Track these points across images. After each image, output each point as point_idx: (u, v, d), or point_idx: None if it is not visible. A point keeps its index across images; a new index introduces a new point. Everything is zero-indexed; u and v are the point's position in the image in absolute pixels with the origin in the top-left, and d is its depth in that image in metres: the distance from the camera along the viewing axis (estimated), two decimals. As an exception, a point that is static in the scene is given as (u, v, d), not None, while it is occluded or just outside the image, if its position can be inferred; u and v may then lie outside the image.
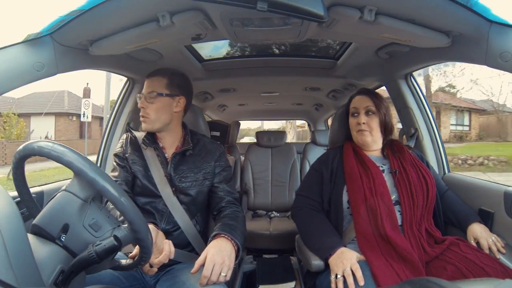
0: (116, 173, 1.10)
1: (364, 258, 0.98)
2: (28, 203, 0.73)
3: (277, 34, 1.20)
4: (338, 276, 0.92)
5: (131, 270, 0.75)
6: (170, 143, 1.16)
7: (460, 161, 9.88)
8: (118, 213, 0.92)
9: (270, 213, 2.59)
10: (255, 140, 2.92)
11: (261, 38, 1.29)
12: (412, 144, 1.47)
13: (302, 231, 1.17)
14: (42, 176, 8.19)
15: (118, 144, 1.19)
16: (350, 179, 1.11)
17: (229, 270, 0.86)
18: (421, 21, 0.94)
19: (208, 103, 2.58)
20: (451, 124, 15.13)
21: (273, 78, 2.04)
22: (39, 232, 0.60)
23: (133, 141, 1.16)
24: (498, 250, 0.99)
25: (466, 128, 15.67)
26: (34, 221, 0.61)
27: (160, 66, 1.17)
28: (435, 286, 0.46)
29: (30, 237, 0.56)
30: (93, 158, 1.05)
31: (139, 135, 1.18)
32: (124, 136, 1.20)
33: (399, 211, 1.06)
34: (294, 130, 13.53)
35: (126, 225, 0.64)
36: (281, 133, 2.90)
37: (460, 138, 14.52)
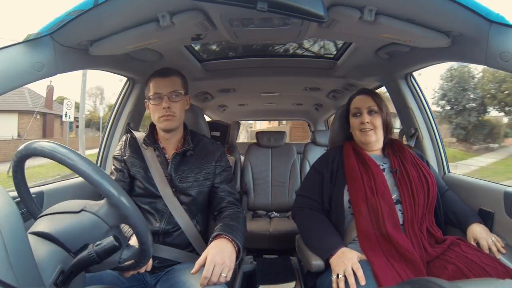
0: (113, 177, 1.11)
1: (365, 258, 0.98)
2: (28, 203, 0.73)
3: (277, 34, 1.20)
4: (340, 276, 0.92)
5: (132, 271, 0.75)
6: (174, 142, 1.16)
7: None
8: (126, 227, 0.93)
9: (270, 213, 2.59)
10: None
11: (261, 38, 1.30)
12: (412, 144, 1.47)
13: (303, 231, 1.17)
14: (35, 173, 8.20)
15: (117, 146, 1.20)
16: (351, 178, 1.11)
17: (229, 271, 0.86)
18: (421, 21, 0.94)
19: (208, 103, 2.58)
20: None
21: (273, 78, 2.04)
22: (52, 240, 0.60)
23: (132, 143, 1.17)
24: (498, 251, 0.99)
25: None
26: (52, 232, 0.60)
27: (160, 66, 1.17)
28: (435, 286, 0.46)
29: (30, 237, 0.56)
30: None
31: (139, 135, 1.18)
32: (124, 138, 1.20)
33: (400, 210, 1.06)
34: (246, 130, 13.97)
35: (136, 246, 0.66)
36: (281, 134, 2.90)
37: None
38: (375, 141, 1.18)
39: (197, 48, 1.64)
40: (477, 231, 1.05)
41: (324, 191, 1.16)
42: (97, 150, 1.56)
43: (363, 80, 1.79)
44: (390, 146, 1.21)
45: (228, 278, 0.86)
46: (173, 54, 1.45)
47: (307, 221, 1.16)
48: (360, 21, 0.95)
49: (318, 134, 2.64)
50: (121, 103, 1.57)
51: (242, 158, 2.86)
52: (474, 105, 14.16)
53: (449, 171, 1.46)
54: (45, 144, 0.60)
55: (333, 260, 0.98)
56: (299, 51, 1.81)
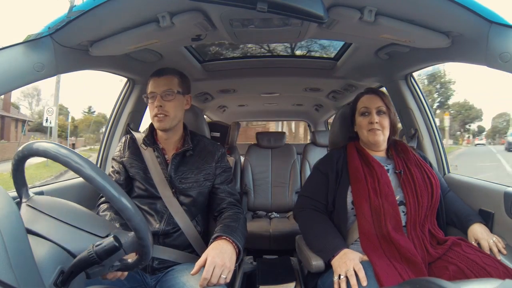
0: (111, 178, 1.11)
1: (367, 259, 0.98)
2: None
3: (277, 34, 1.20)
4: (341, 276, 0.92)
5: (131, 271, 0.75)
6: (173, 143, 1.16)
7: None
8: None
9: (270, 213, 2.59)
10: None
11: (261, 38, 1.30)
12: (414, 145, 1.47)
13: (305, 232, 1.17)
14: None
15: (117, 147, 1.20)
16: (355, 179, 1.11)
17: (229, 272, 0.86)
18: (421, 22, 0.94)
19: (208, 104, 2.58)
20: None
21: (273, 79, 2.05)
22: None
23: (131, 143, 1.17)
24: (499, 251, 0.99)
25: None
26: (70, 248, 0.61)
27: (160, 67, 1.17)
28: (435, 286, 0.46)
29: (30, 237, 0.56)
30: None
31: (139, 136, 1.18)
32: (123, 139, 1.21)
33: (403, 211, 1.06)
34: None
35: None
36: (281, 134, 2.90)
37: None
38: (383, 141, 1.18)
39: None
40: (478, 232, 1.05)
41: (328, 192, 1.16)
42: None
43: (363, 80, 1.79)
44: (394, 147, 1.21)
45: (228, 280, 0.86)
46: (173, 54, 1.45)
47: (309, 222, 1.16)
48: (360, 21, 0.95)
49: (318, 134, 2.64)
50: (121, 104, 1.57)
51: (242, 158, 2.86)
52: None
53: (449, 172, 1.46)
54: (46, 144, 0.60)
55: (335, 261, 0.97)
56: (299, 52, 1.82)
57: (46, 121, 10.43)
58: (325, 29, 1.13)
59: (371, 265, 0.94)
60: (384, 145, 1.20)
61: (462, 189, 1.25)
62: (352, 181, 1.11)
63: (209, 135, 1.43)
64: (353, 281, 0.89)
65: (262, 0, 0.74)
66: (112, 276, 0.79)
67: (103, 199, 1.12)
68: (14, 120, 16.20)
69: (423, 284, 0.50)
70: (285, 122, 12.02)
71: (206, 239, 1.14)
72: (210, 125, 1.72)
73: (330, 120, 3.33)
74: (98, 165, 1.51)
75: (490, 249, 1.00)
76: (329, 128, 2.95)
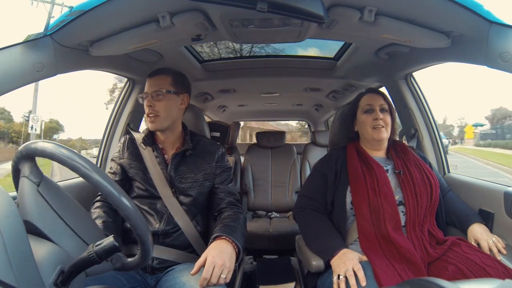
0: None
1: (366, 259, 0.98)
2: None
3: (277, 34, 1.20)
4: (341, 276, 0.92)
5: (131, 271, 0.75)
6: (172, 143, 1.16)
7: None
8: None
9: (270, 213, 2.59)
10: None
11: (261, 38, 1.30)
12: (414, 145, 1.47)
13: (304, 232, 1.17)
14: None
15: (116, 148, 1.20)
16: (354, 179, 1.11)
17: (229, 272, 0.86)
18: (421, 22, 0.94)
19: (208, 104, 2.58)
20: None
21: (273, 79, 2.04)
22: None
23: (130, 144, 1.17)
24: (499, 251, 0.99)
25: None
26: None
27: (160, 67, 1.18)
28: (435, 286, 0.46)
29: (30, 237, 0.56)
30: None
31: (138, 136, 1.18)
32: (122, 140, 1.21)
33: (402, 211, 1.06)
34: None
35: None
36: (281, 134, 2.90)
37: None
38: (386, 138, 1.18)
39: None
40: (478, 232, 1.05)
41: (327, 192, 1.16)
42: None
43: (363, 80, 1.79)
44: (393, 147, 1.21)
45: (228, 280, 0.86)
46: (173, 54, 1.45)
47: (308, 222, 1.16)
48: (360, 21, 0.95)
49: (318, 134, 2.64)
50: (121, 104, 1.57)
51: (242, 158, 2.86)
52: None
53: (449, 171, 1.46)
54: (46, 144, 0.60)
55: (334, 261, 0.98)
56: (299, 52, 1.82)
57: (31, 129, 10.93)
58: (325, 29, 1.13)
59: (370, 265, 0.94)
60: (385, 144, 1.21)
61: (462, 189, 1.25)
62: (351, 181, 1.11)
63: (209, 135, 1.43)
64: (352, 281, 0.89)
65: (262, 0, 0.74)
66: None
67: (99, 197, 1.12)
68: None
69: (423, 284, 0.50)
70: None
71: (206, 239, 1.14)
72: (210, 125, 1.72)
73: (330, 120, 3.33)
74: (98, 165, 1.51)
75: (490, 249, 1.00)
76: (329, 128, 2.95)
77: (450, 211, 1.16)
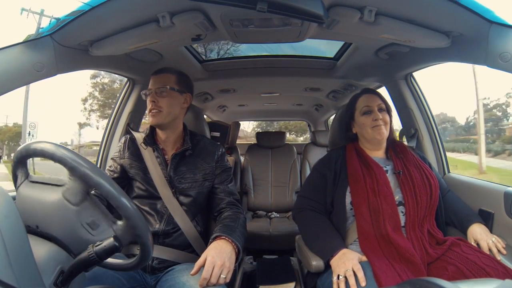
0: None
1: (366, 259, 0.98)
2: None
3: (277, 34, 1.20)
4: (340, 277, 0.92)
5: (131, 271, 0.74)
6: (172, 143, 1.16)
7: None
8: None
9: (270, 213, 2.59)
10: None
11: (261, 38, 1.30)
12: (413, 144, 1.47)
13: (304, 232, 1.17)
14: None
15: (116, 148, 1.20)
16: (353, 180, 1.11)
17: (229, 272, 0.86)
18: (421, 22, 0.94)
19: (208, 104, 2.58)
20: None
21: (273, 79, 2.04)
22: (55, 241, 0.59)
23: (131, 144, 1.17)
24: (499, 251, 0.99)
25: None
26: (59, 236, 0.60)
27: (160, 67, 1.18)
28: (435, 286, 0.46)
29: (30, 237, 0.56)
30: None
31: (139, 136, 1.18)
32: (122, 139, 1.21)
33: (402, 212, 1.06)
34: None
35: (122, 221, 0.64)
36: (281, 134, 2.90)
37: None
38: (385, 138, 1.18)
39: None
40: (477, 232, 1.05)
41: (327, 193, 1.16)
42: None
43: (363, 80, 1.79)
44: (393, 148, 1.21)
45: (228, 280, 0.86)
46: (173, 54, 1.45)
47: (308, 222, 1.16)
48: (360, 21, 0.95)
49: (318, 134, 2.64)
50: (121, 104, 1.57)
51: (242, 158, 2.86)
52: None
53: (449, 171, 1.46)
54: (45, 145, 0.60)
55: (334, 261, 0.98)
56: (299, 52, 1.81)
57: (29, 135, 11.02)
58: (325, 29, 1.13)
59: (370, 265, 0.94)
60: (384, 144, 1.21)
61: (462, 189, 1.25)
62: (351, 182, 1.11)
63: (209, 135, 1.43)
64: (351, 281, 0.89)
65: (262, 0, 0.74)
66: None
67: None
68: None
69: (423, 284, 0.50)
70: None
71: (206, 239, 1.14)
72: (210, 125, 1.72)
73: (330, 120, 3.33)
74: (98, 165, 1.51)
75: (490, 250, 1.00)
76: (329, 128, 2.95)
77: (450, 211, 1.16)
